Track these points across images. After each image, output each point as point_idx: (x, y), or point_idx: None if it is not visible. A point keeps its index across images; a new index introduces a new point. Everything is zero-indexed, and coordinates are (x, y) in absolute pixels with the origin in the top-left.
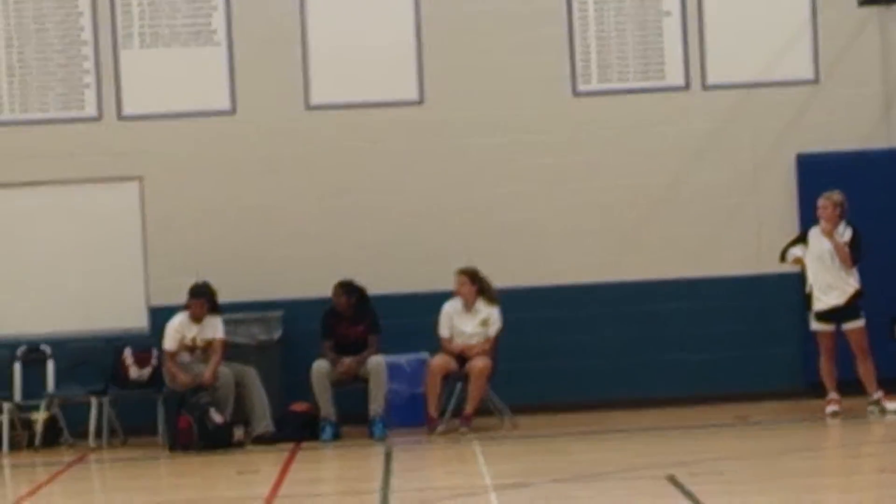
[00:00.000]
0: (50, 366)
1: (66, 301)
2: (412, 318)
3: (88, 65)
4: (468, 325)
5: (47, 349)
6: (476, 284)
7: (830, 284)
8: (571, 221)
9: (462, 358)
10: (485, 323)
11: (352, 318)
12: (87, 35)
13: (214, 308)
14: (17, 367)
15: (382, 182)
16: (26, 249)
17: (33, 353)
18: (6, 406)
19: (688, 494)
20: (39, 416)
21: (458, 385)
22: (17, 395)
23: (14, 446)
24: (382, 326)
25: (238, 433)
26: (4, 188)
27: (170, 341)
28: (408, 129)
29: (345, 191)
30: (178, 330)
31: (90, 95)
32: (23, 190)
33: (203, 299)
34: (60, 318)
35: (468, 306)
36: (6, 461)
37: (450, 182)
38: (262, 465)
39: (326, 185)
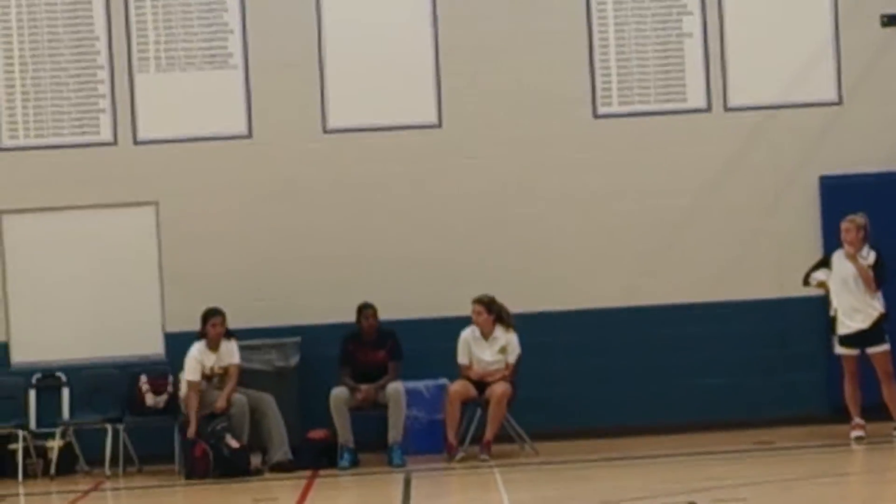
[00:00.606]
0: (65, 393)
1: (82, 327)
2: (431, 343)
3: (104, 89)
4: (486, 353)
5: (62, 376)
6: (493, 313)
7: (855, 308)
8: (592, 245)
9: (482, 384)
10: (503, 350)
11: (373, 343)
12: (102, 59)
13: (228, 333)
14: (33, 394)
15: (401, 206)
16: (41, 275)
17: (48, 380)
18: (21, 434)
19: None
20: (55, 444)
21: (478, 411)
22: (33, 422)
23: (29, 474)
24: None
25: (255, 461)
26: (19, 214)
27: (191, 372)
28: (426, 152)
29: (363, 215)
30: (196, 359)
31: (105, 120)
32: (37, 215)
33: (221, 317)
34: (75, 344)
35: (486, 335)
36: (21, 489)
37: (469, 206)
38: (280, 493)
39: (344, 209)
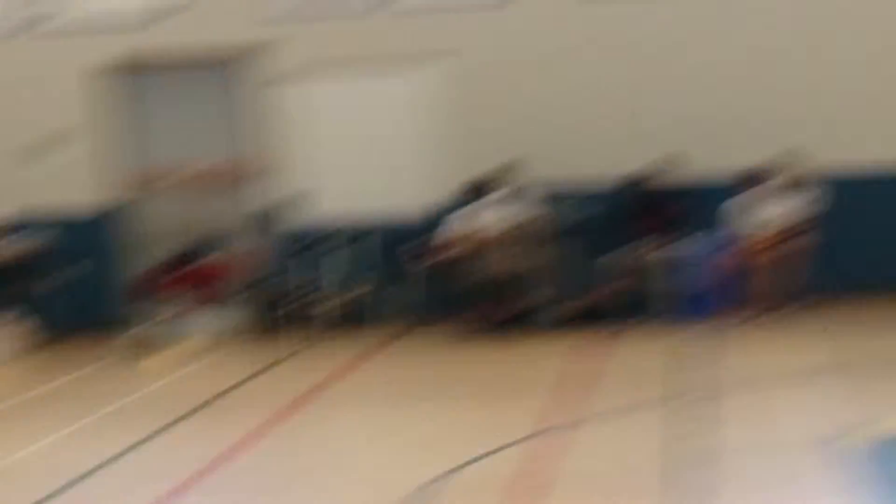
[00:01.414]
0: (355, 251)
1: (367, 188)
2: (713, 203)
3: None
4: (775, 211)
5: (350, 234)
6: (786, 174)
7: None
8: None
9: (778, 241)
10: (794, 210)
11: (661, 203)
12: None
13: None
14: (329, 252)
15: (696, 64)
16: (326, 138)
17: (338, 239)
18: (313, 290)
19: None
20: (344, 299)
21: (774, 270)
22: (323, 279)
23: (320, 328)
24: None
25: (547, 314)
26: (306, 82)
27: (457, 229)
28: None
29: (660, 72)
30: (468, 219)
31: None
32: (323, 83)
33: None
34: (361, 204)
35: (777, 193)
36: (305, 343)
37: (768, 61)
38: (574, 346)
39: (635, 64)
